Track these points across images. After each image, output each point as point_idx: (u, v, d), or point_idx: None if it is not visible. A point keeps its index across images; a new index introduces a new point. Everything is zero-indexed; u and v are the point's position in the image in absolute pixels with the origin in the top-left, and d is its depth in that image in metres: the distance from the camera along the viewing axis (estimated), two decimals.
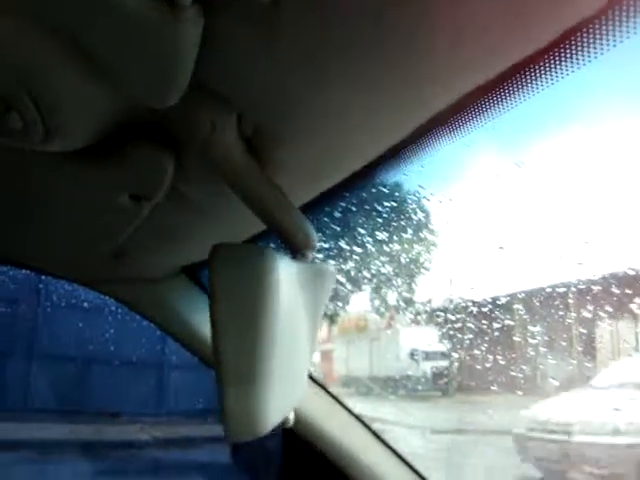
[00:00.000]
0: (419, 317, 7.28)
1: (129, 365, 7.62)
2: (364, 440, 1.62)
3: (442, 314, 6.40)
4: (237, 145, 0.67)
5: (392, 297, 7.18)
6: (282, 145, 0.72)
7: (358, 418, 1.62)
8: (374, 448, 1.62)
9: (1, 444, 6.37)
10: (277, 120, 0.67)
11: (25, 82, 0.54)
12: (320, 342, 8.58)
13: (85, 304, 6.20)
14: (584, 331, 4.91)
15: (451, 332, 6.44)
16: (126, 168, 0.74)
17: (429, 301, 6.85)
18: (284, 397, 0.70)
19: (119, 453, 6.89)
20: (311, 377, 1.57)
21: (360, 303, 7.74)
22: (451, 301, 5.99)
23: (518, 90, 0.62)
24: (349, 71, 0.59)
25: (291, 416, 0.85)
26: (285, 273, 0.66)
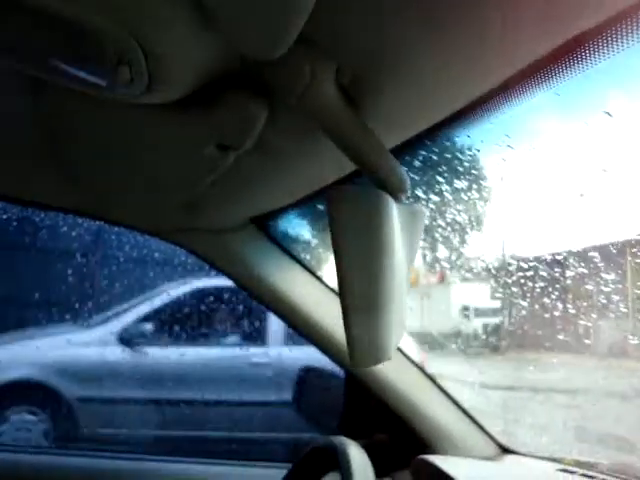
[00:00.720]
0: (471, 273, 7.22)
1: None
2: (426, 390, 1.65)
3: (495, 270, 6.33)
4: (335, 94, 0.68)
5: (444, 252, 7.12)
6: (377, 93, 0.73)
7: (420, 367, 1.65)
8: (436, 398, 1.65)
9: None
10: (374, 70, 0.68)
11: (137, 34, 0.55)
12: None
13: (140, 259, 6.34)
14: None
15: (503, 289, 6.38)
16: (219, 118, 0.76)
17: (482, 257, 6.78)
18: (398, 327, 0.74)
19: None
20: None
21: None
22: (504, 257, 5.90)
23: (610, 43, 0.62)
24: (445, 20, 0.59)
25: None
26: (394, 213, 0.69)
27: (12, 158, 1.14)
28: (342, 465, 1.00)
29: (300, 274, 1.54)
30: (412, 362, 1.64)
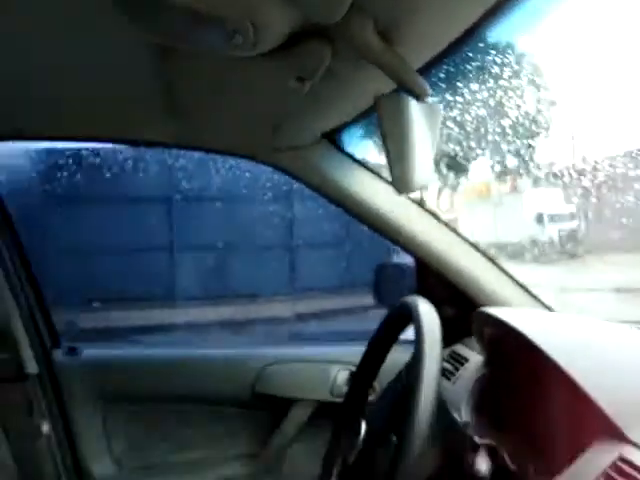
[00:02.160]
0: (543, 179, 7.17)
1: (263, 249, 8.08)
2: (491, 271, 1.87)
3: (566, 174, 6.29)
4: (374, 37, 0.96)
5: (513, 161, 7.08)
6: (401, 23, 0.98)
7: (480, 250, 1.87)
8: (500, 279, 1.88)
9: (156, 328, 7.16)
10: (398, 19, 0.95)
11: (248, 13, 0.84)
12: (443, 212, 8.69)
13: (217, 196, 6.62)
14: None
15: (577, 193, 6.34)
16: (298, 59, 1.04)
17: (552, 162, 6.73)
18: (427, 168, 1.11)
19: (263, 328, 7.51)
20: (436, 216, 1.84)
21: (481, 170, 7.72)
22: (575, 160, 5.87)
23: None
24: None
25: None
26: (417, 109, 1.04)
27: (129, 105, 1.49)
28: (414, 316, 1.20)
29: (369, 179, 1.79)
30: (474, 246, 1.85)
